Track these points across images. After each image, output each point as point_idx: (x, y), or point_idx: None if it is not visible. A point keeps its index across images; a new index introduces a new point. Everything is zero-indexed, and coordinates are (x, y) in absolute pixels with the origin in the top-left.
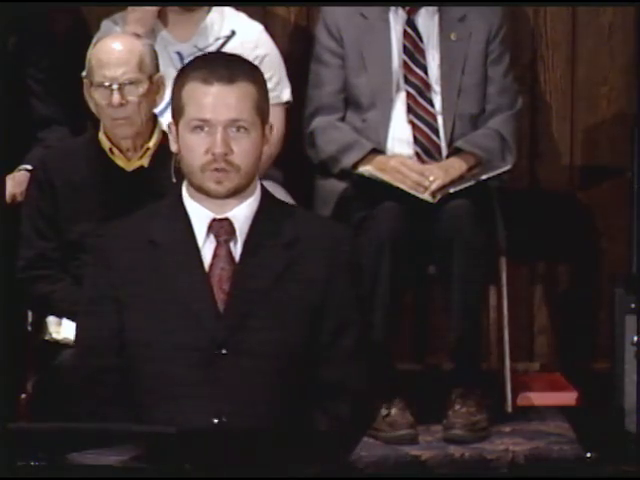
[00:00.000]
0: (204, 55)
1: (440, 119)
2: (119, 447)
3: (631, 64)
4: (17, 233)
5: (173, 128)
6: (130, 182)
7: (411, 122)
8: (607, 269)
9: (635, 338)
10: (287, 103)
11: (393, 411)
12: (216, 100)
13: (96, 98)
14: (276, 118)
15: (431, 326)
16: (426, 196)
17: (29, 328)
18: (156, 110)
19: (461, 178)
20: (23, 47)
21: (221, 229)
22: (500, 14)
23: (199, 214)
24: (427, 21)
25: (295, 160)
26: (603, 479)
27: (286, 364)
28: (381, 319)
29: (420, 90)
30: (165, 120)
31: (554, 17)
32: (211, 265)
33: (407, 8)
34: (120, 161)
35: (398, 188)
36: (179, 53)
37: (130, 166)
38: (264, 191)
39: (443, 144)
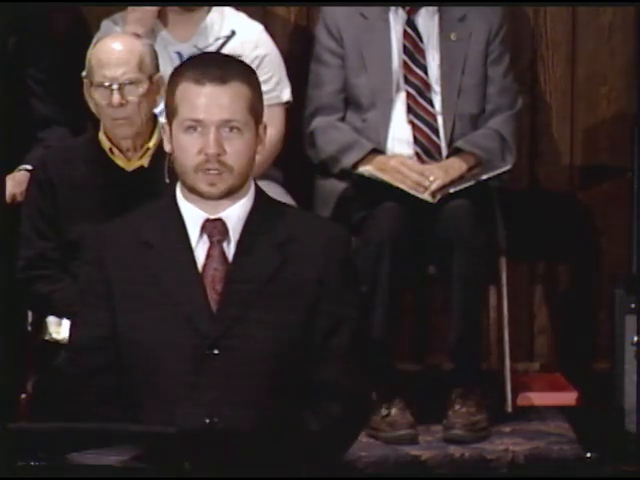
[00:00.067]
0: (197, 55)
1: (440, 119)
2: (119, 447)
3: (631, 64)
4: (17, 233)
5: (167, 128)
6: (130, 182)
7: (411, 122)
8: (607, 269)
9: (635, 338)
10: (287, 103)
11: (393, 411)
12: (209, 100)
13: (96, 98)
14: (276, 118)
15: (431, 326)
16: (426, 196)
17: (29, 328)
18: (156, 110)
19: (461, 178)
20: (23, 47)
21: (214, 229)
22: (500, 14)
23: (192, 214)
24: (427, 21)
25: (295, 160)
26: (603, 479)
27: (279, 364)
28: (381, 319)
29: (420, 90)
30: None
31: (554, 17)
32: (204, 265)
33: (407, 8)
34: (120, 161)
35: (398, 188)
36: (179, 53)
37: (130, 166)
38: (258, 191)
39: (443, 144)
